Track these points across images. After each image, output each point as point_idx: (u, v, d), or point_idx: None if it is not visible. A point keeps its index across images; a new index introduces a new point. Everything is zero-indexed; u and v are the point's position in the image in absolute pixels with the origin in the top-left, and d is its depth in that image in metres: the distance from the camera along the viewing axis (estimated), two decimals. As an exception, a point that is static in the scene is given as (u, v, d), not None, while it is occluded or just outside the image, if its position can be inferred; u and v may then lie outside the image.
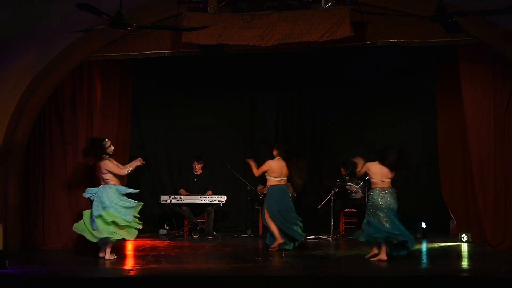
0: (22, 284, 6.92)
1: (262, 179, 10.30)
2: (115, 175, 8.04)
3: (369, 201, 7.95)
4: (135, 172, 8.48)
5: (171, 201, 10.11)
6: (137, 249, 8.61)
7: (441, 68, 9.98)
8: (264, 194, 10.11)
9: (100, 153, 8.08)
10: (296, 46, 8.63)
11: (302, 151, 11.00)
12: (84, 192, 8.09)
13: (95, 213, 7.81)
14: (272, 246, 8.61)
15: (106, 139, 8.21)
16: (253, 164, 8.87)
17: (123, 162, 9.59)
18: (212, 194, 10.33)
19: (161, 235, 10.24)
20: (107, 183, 7.99)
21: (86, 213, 7.98)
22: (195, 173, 10.62)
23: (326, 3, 8.09)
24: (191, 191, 10.45)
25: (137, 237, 8.32)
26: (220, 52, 8.65)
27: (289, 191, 8.89)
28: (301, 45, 8.60)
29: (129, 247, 9.02)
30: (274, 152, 8.86)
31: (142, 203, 8.17)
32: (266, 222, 8.75)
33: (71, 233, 9.01)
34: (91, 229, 7.85)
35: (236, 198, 10.71)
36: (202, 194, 10.30)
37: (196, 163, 10.56)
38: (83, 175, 9.10)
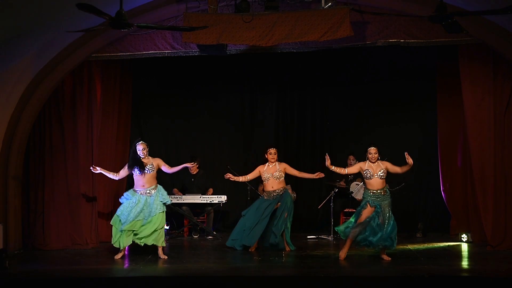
0: (22, 284, 6.93)
1: (257, 180, 10.28)
2: None
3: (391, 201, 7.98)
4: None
5: (171, 201, 10.09)
6: (137, 249, 8.61)
7: (441, 68, 9.98)
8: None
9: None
10: (296, 46, 8.64)
11: (302, 150, 11.08)
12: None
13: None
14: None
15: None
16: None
17: (123, 161, 9.61)
18: (212, 193, 10.33)
19: (161, 235, 10.22)
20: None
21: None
22: (191, 172, 10.60)
23: (326, 3, 8.09)
24: (189, 191, 10.44)
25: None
26: (220, 52, 8.65)
27: None
28: (301, 45, 8.61)
29: (129, 247, 9.02)
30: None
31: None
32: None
33: (71, 233, 9.06)
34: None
35: (236, 198, 10.72)
36: (202, 194, 10.30)
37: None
38: (83, 175, 9.10)
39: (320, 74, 11.00)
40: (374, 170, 7.86)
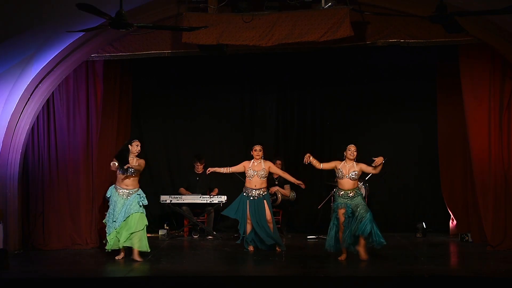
0: (22, 284, 6.92)
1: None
2: None
3: (363, 200, 8.01)
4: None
5: (171, 201, 10.11)
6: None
7: (441, 68, 9.99)
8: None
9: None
10: (296, 46, 8.64)
11: (302, 150, 11.06)
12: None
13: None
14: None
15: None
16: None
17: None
18: (217, 192, 10.32)
19: (161, 235, 10.22)
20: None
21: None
22: (197, 172, 10.59)
23: (326, 3, 8.10)
24: (193, 190, 10.44)
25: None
26: (220, 52, 8.65)
27: None
28: (301, 45, 8.61)
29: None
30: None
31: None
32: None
33: (71, 233, 9.06)
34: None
35: (236, 198, 10.69)
36: (204, 193, 10.31)
37: (198, 163, 10.54)
38: (83, 175, 9.10)
39: (320, 74, 10.99)
40: (347, 171, 7.90)
